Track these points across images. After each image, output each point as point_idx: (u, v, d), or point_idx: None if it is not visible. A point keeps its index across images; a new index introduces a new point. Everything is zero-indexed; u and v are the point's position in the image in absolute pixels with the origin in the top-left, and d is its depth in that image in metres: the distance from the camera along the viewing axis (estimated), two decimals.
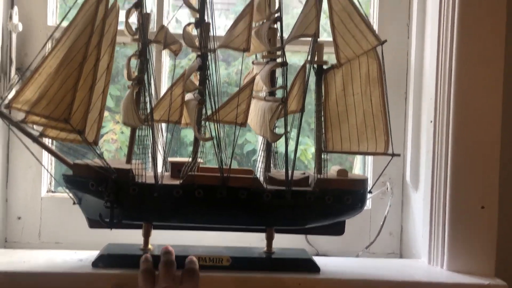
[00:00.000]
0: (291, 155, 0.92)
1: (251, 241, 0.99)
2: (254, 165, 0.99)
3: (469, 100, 0.94)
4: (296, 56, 1.20)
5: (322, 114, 0.90)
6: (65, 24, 0.84)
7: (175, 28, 1.16)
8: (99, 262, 0.87)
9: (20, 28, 1.04)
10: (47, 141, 0.90)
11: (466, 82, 0.94)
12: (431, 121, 0.99)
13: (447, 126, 0.95)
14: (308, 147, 1.26)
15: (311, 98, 0.94)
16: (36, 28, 1.09)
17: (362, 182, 0.90)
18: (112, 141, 1.29)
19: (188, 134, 1.20)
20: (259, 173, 0.94)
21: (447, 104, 0.95)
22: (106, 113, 1.23)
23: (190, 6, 0.83)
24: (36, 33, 1.09)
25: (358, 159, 1.19)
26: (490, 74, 0.94)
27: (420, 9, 1.09)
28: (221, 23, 1.20)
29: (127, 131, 0.99)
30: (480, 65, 0.94)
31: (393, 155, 0.89)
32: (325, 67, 0.90)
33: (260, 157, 0.93)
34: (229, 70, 1.28)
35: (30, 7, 1.08)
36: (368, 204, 1.14)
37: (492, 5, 0.94)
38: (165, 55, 1.13)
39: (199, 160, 0.90)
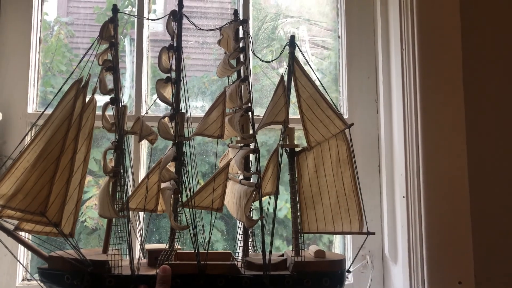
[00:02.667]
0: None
1: None
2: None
3: (438, 174, 0.97)
4: (272, 132, 1.24)
5: (297, 195, 0.92)
6: (47, 112, 0.86)
7: (153, 111, 1.20)
8: None
9: (0, 117, 1.07)
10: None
11: (433, 156, 0.98)
12: (404, 197, 1.01)
13: (419, 201, 0.97)
14: None
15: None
16: (15, 116, 1.11)
17: (339, 262, 0.90)
18: (95, 207, 1.28)
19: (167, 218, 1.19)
20: (239, 254, 0.93)
21: (417, 180, 0.98)
22: (89, 178, 1.23)
23: (164, 101, 0.86)
24: (15, 121, 1.11)
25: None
26: (455, 147, 0.99)
27: (385, 85, 1.15)
28: (198, 104, 1.24)
29: None
30: (444, 138, 0.99)
31: (368, 233, 0.91)
32: (296, 149, 0.93)
33: (238, 241, 0.93)
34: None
35: (11, 94, 1.11)
36: (350, 278, 1.13)
37: (449, 77, 1.00)
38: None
39: (176, 246, 0.89)
